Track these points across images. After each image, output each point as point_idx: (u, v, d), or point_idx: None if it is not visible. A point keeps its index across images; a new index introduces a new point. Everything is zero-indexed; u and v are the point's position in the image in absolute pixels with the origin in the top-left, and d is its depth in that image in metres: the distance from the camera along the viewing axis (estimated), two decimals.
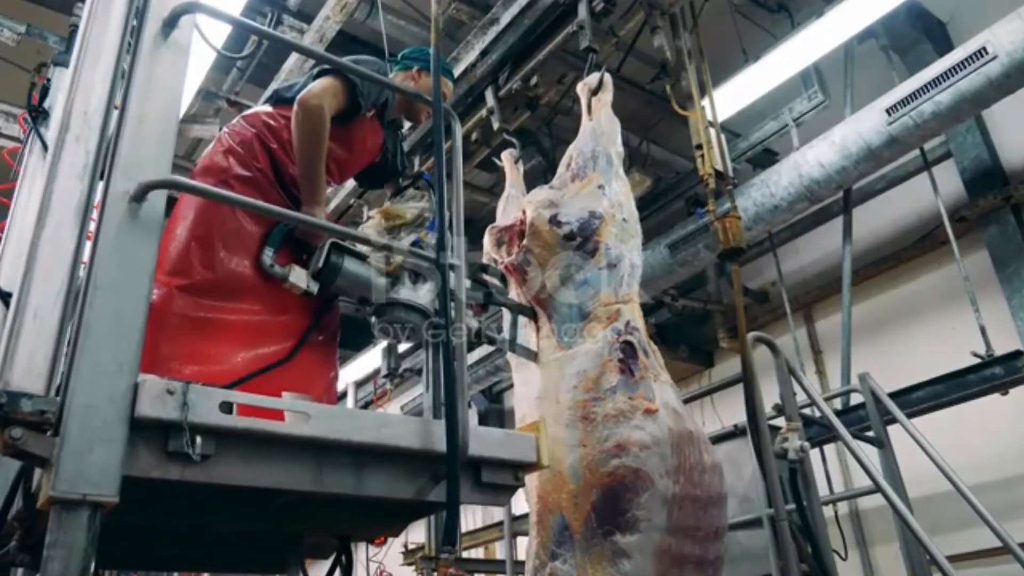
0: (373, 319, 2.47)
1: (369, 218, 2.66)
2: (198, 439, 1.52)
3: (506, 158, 4.22)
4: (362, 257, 2.43)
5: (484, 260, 3.52)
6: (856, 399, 5.21)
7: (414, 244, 2.44)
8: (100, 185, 1.65)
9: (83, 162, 1.63)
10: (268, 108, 2.73)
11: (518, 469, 2.11)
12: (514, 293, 3.36)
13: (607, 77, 3.75)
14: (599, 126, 3.61)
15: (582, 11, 3.98)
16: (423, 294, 2.45)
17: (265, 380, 2.28)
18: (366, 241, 2.37)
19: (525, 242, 3.24)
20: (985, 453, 5.52)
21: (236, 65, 5.45)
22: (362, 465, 1.83)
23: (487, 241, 3.48)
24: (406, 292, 2.42)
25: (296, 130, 2.51)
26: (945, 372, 5.04)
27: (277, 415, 1.73)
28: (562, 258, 3.22)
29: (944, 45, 6.14)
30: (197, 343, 2.19)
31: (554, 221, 3.24)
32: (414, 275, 2.44)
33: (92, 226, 1.63)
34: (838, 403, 5.30)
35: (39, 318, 1.46)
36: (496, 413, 10.41)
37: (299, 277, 2.39)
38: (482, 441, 1.99)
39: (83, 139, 1.65)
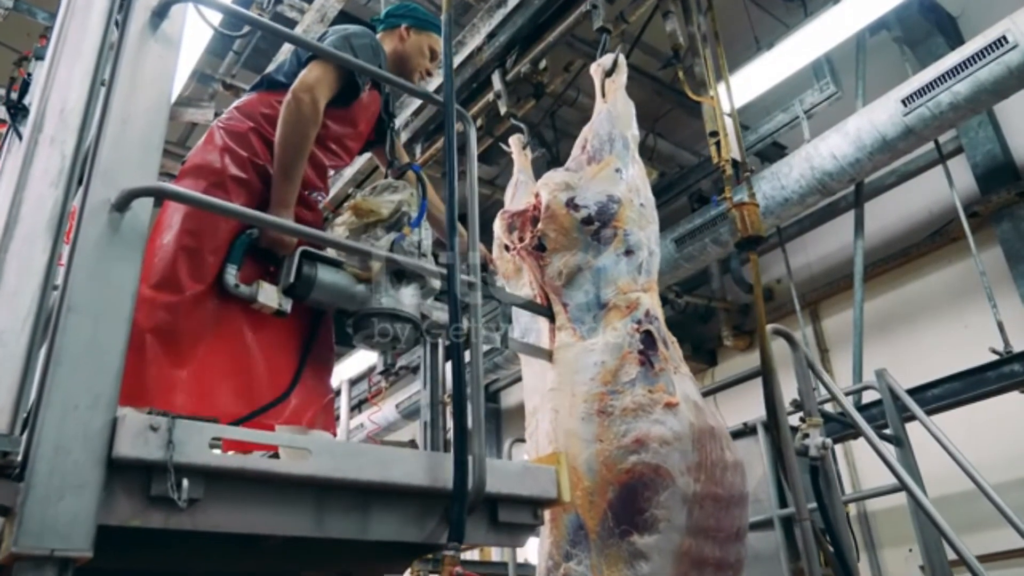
0: (353, 331, 2.26)
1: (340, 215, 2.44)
2: (185, 482, 1.33)
3: (514, 143, 4.08)
4: (337, 263, 2.20)
5: (495, 246, 3.37)
6: (868, 397, 5.08)
7: (394, 244, 2.24)
8: (78, 193, 1.47)
9: (58, 166, 1.45)
10: (258, 95, 2.54)
11: (537, 506, 1.95)
12: (527, 280, 3.21)
13: (621, 58, 3.62)
14: (615, 108, 3.48)
15: None
16: (407, 298, 2.23)
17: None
18: (368, 254, 2.13)
19: (540, 226, 3.09)
20: (998, 453, 5.39)
21: (232, 48, 5.29)
22: (367, 506, 1.65)
23: (498, 226, 3.32)
24: (388, 299, 2.20)
25: (283, 123, 2.30)
26: (959, 370, 4.93)
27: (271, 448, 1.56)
28: (579, 243, 3.07)
29: (955, 39, 6.04)
30: (187, 369, 1.99)
31: (571, 204, 3.09)
32: (395, 278, 2.22)
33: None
34: (849, 400, 5.15)
35: (3, 344, 1.29)
36: (493, 412, 10.25)
37: (268, 296, 2.14)
38: (499, 476, 1.82)
39: (58, 141, 1.48)
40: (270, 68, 2.65)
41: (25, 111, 3.30)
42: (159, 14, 1.68)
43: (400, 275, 2.23)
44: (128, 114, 1.54)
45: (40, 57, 3.66)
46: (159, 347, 1.96)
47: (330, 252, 2.25)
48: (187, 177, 2.27)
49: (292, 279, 2.13)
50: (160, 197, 1.54)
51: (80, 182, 1.47)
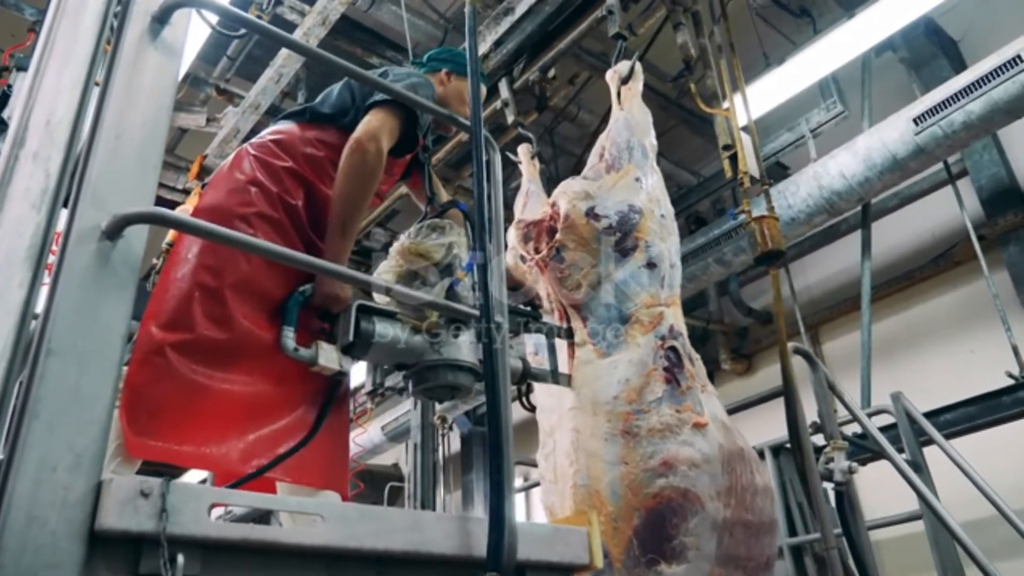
0: (413, 385, 2.09)
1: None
2: (180, 557, 1.13)
3: (523, 152, 3.96)
4: (391, 314, 2.03)
5: (509, 256, 3.20)
6: (880, 421, 4.94)
7: (450, 290, 2.09)
8: (63, 217, 1.28)
9: (41, 186, 1.26)
10: (300, 127, 2.33)
11: (567, 573, 1.75)
12: (544, 292, 3.04)
13: (638, 65, 3.49)
14: (632, 116, 3.34)
15: None
16: (466, 346, 2.08)
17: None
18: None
19: (559, 236, 2.93)
20: (1007, 480, 5.26)
21: (227, 54, 5.13)
22: None
23: (513, 236, 3.16)
24: (448, 349, 2.04)
25: (347, 175, 2.13)
26: (967, 395, 4.82)
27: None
28: (599, 255, 2.91)
29: (958, 63, 6.02)
30: (195, 417, 1.80)
31: (591, 214, 2.93)
32: (453, 326, 2.07)
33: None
34: (857, 426, 5.01)
35: None
36: (480, 436, 10.01)
37: (329, 357, 1.98)
38: (528, 540, 1.63)
39: (42, 157, 1.28)
40: (316, 99, 2.45)
41: (4, 125, 3.08)
42: (160, 19, 1.50)
43: (458, 324, 2.07)
44: (123, 129, 1.36)
45: (22, 68, 3.46)
46: (167, 394, 1.77)
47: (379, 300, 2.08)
48: (204, 211, 2.06)
49: (352, 338, 1.95)
50: (158, 224, 1.33)
51: (66, 205, 1.28)
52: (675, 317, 2.93)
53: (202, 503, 1.18)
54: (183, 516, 1.15)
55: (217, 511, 1.22)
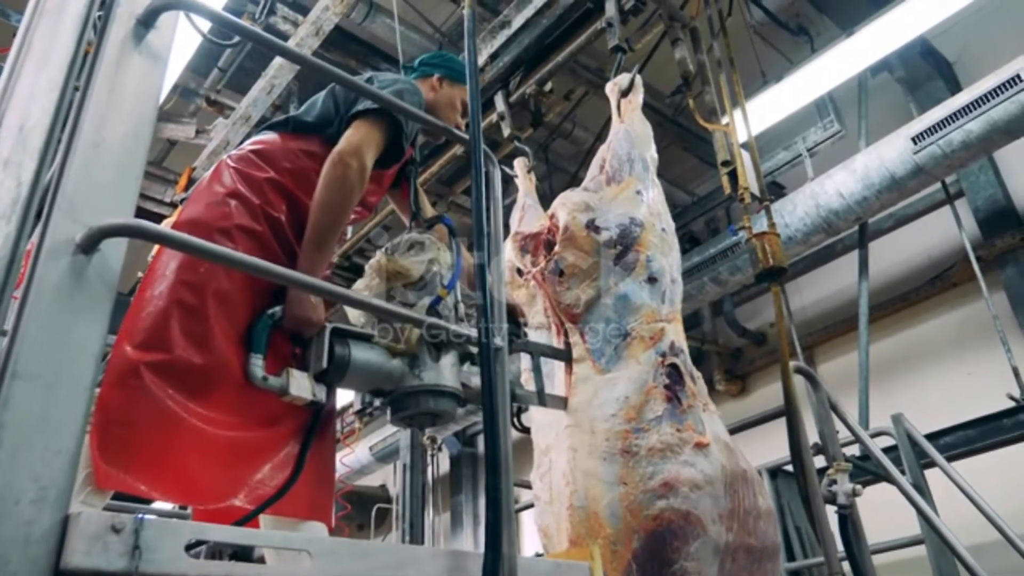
0: (391, 412, 2.00)
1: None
2: None
3: (519, 166, 3.91)
4: (367, 337, 1.93)
5: (506, 270, 3.11)
6: (880, 443, 4.85)
7: (430, 308, 2.01)
8: (35, 229, 1.21)
9: (12, 195, 1.19)
10: (281, 138, 2.26)
11: None
12: (541, 307, 2.96)
13: (638, 78, 3.44)
14: (632, 129, 3.28)
15: (610, 8, 3.66)
16: (447, 370, 1.99)
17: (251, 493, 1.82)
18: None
19: (558, 249, 2.85)
20: (1007, 505, 5.18)
21: (218, 66, 5.05)
22: None
23: (509, 248, 3.08)
24: (430, 374, 1.95)
25: (327, 187, 2.04)
26: (965, 418, 4.75)
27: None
28: (600, 268, 2.83)
29: (952, 84, 6.02)
30: (171, 446, 1.68)
31: (591, 226, 2.86)
32: (433, 348, 1.98)
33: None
34: (856, 448, 4.92)
35: None
36: (470, 457, 9.88)
37: (301, 386, 1.86)
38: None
39: (14, 163, 1.21)
40: (300, 109, 2.37)
41: None
42: (145, 23, 1.43)
43: (439, 346, 1.98)
44: (102, 137, 1.28)
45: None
46: (142, 418, 1.66)
47: (355, 322, 2.00)
48: (184, 224, 1.97)
49: (325, 365, 1.85)
50: (136, 237, 1.24)
51: (39, 216, 1.20)
52: (676, 333, 2.87)
53: (179, 539, 1.09)
54: (158, 554, 1.06)
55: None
